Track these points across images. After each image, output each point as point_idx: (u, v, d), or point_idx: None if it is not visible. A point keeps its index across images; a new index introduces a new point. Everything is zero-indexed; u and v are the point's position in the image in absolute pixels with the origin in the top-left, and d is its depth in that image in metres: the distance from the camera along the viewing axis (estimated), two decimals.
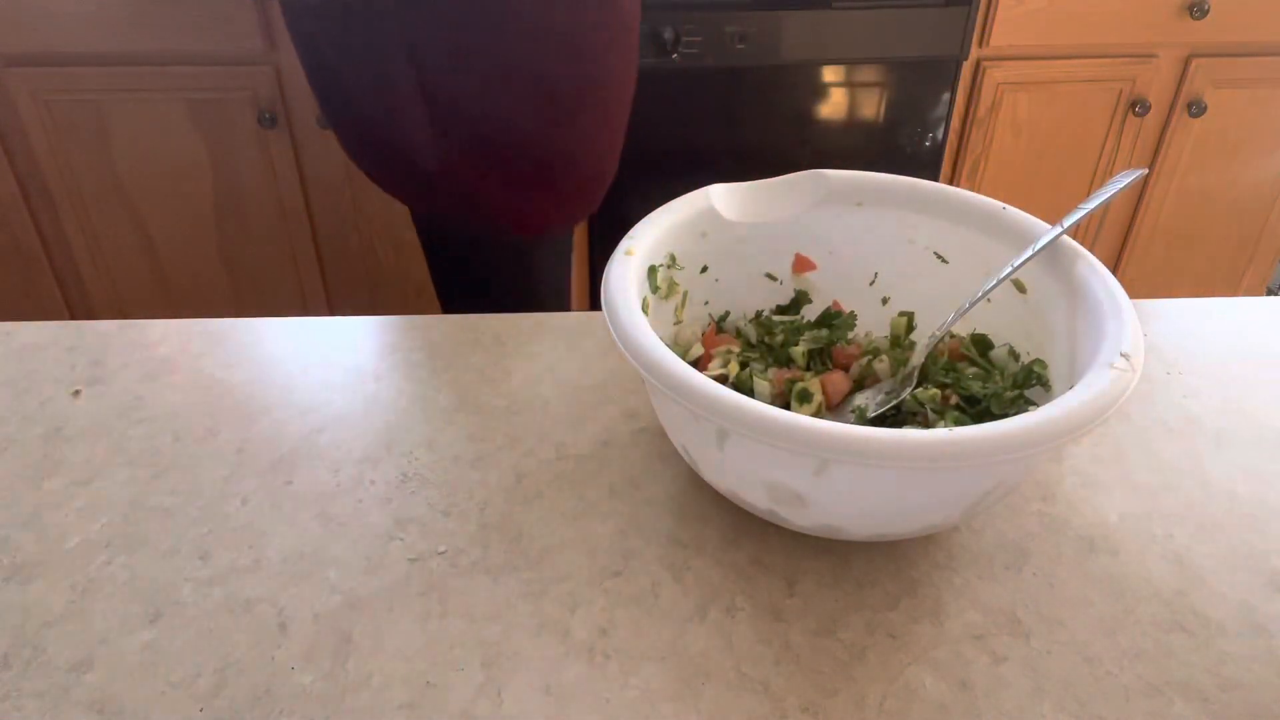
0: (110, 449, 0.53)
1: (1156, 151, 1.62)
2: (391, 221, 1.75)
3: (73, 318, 1.84)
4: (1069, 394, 0.40)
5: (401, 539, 0.48)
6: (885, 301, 0.57)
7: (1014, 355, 0.53)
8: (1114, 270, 1.77)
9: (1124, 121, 1.57)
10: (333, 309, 1.83)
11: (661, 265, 0.51)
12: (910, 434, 0.37)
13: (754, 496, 0.44)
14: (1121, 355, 0.42)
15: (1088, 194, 1.65)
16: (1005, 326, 0.53)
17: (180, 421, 0.55)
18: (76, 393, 0.57)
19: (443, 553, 0.47)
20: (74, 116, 1.59)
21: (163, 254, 1.76)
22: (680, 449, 0.47)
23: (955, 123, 1.56)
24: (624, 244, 0.49)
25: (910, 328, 0.56)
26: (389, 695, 0.41)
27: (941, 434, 0.37)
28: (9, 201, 1.66)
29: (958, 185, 1.37)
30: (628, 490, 0.51)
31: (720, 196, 0.54)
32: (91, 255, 1.75)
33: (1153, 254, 1.75)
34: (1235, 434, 0.56)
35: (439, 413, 0.56)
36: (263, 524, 0.49)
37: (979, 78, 1.52)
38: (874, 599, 0.45)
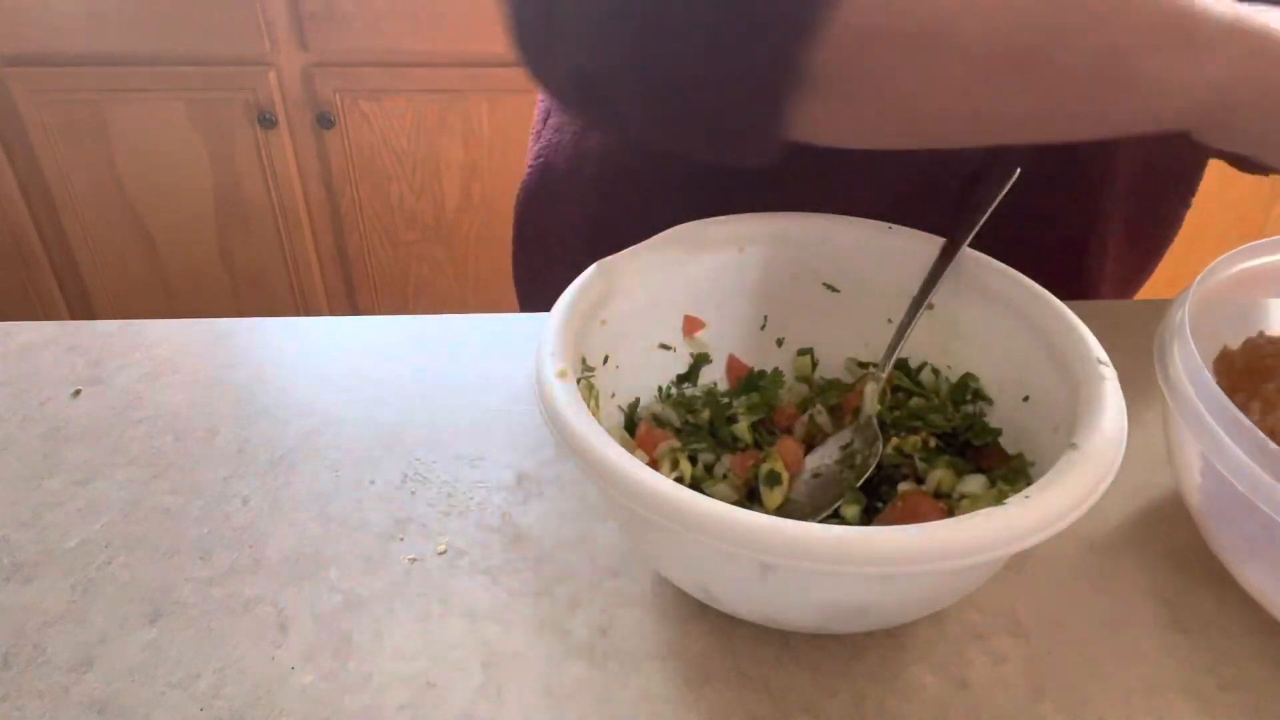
0: (110, 449, 0.53)
1: None
2: (391, 221, 1.75)
3: (73, 318, 1.84)
4: (1091, 419, 0.38)
5: (401, 539, 0.48)
6: (780, 343, 0.55)
7: (934, 372, 0.52)
8: None
9: None
10: (332, 309, 1.83)
11: (583, 376, 0.46)
12: (985, 520, 0.34)
13: (804, 620, 0.41)
14: (1099, 362, 0.41)
15: None
16: (918, 345, 0.52)
17: (180, 421, 0.55)
18: (76, 393, 0.57)
19: (443, 553, 0.47)
20: (74, 116, 1.59)
21: (163, 254, 1.76)
22: (677, 579, 0.42)
23: None
24: (549, 365, 0.43)
25: (814, 364, 0.55)
26: (389, 695, 0.41)
27: (1017, 513, 0.34)
28: (9, 201, 1.66)
29: None
30: None
31: (609, 272, 0.49)
32: (91, 255, 1.75)
33: None
34: None
35: (439, 413, 0.56)
36: (263, 524, 0.49)
37: None
38: None
